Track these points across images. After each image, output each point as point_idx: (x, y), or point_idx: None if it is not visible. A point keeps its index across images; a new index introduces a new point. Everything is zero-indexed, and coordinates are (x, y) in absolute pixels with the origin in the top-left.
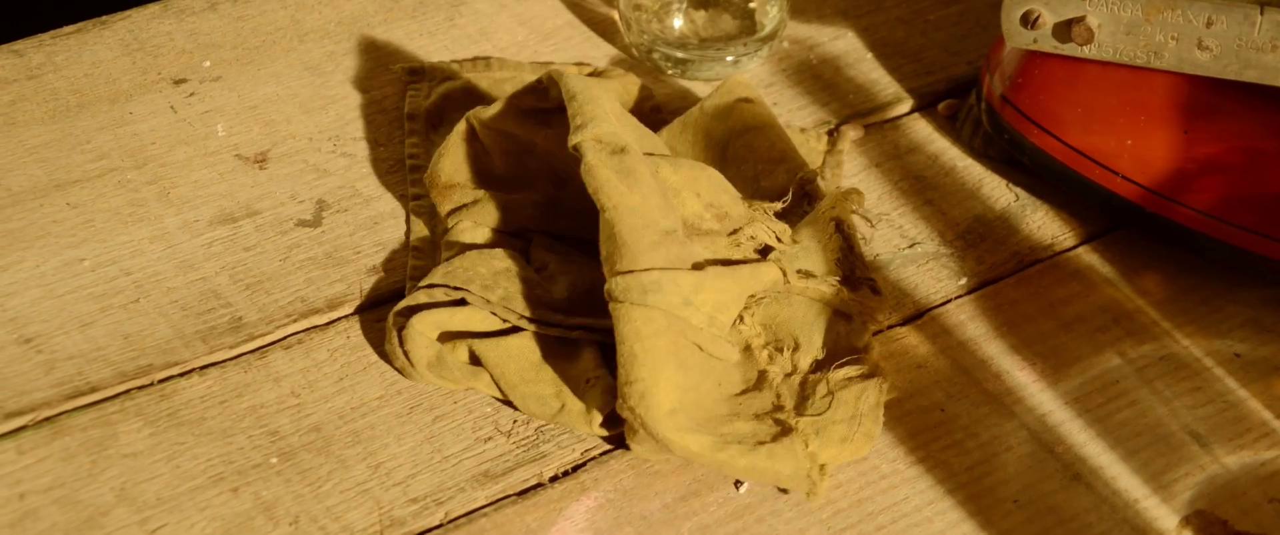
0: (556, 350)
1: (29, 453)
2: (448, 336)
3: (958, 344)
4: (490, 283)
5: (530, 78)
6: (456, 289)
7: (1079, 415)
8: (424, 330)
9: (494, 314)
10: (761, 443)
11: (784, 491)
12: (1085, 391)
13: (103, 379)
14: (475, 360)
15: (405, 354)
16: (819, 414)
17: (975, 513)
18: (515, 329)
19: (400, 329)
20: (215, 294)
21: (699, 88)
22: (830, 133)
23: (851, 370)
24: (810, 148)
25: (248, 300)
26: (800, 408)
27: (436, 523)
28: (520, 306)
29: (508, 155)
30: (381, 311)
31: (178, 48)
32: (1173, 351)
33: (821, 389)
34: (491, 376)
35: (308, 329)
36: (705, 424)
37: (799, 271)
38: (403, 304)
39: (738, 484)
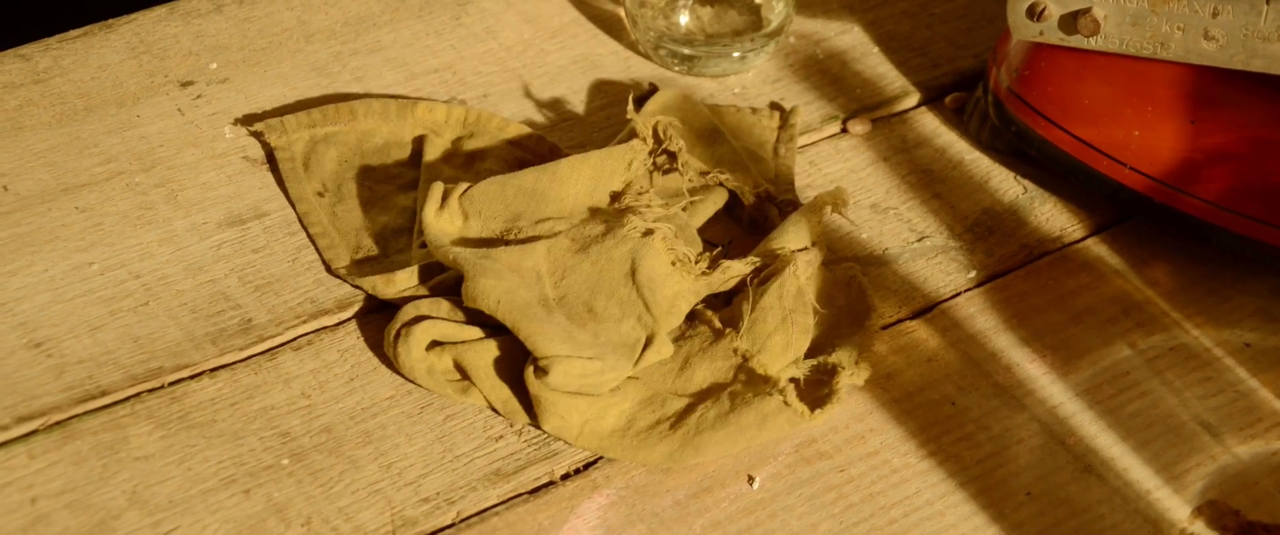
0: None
1: (40, 457)
2: (434, 345)
3: (967, 337)
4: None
5: (400, 128)
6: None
7: (1090, 407)
8: (419, 340)
9: (470, 323)
10: (730, 406)
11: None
12: (1096, 383)
13: (113, 382)
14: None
15: (403, 364)
16: (752, 331)
17: (987, 505)
18: (498, 332)
19: (397, 339)
20: (224, 296)
21: (706, 84)
22: (781, 109)
23: (765, 272)
24: (763, 127)
25: (257, 302)
26: (741, 333)
27: (448, 522)
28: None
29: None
30: (391, 312)
31: (184, 50)
32: (1183, 342)
33: (745, 307)
34: (474, 382)
35: (317, 330)
36: (655, 428)
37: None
38: (400, 323)
39: (751, 479)
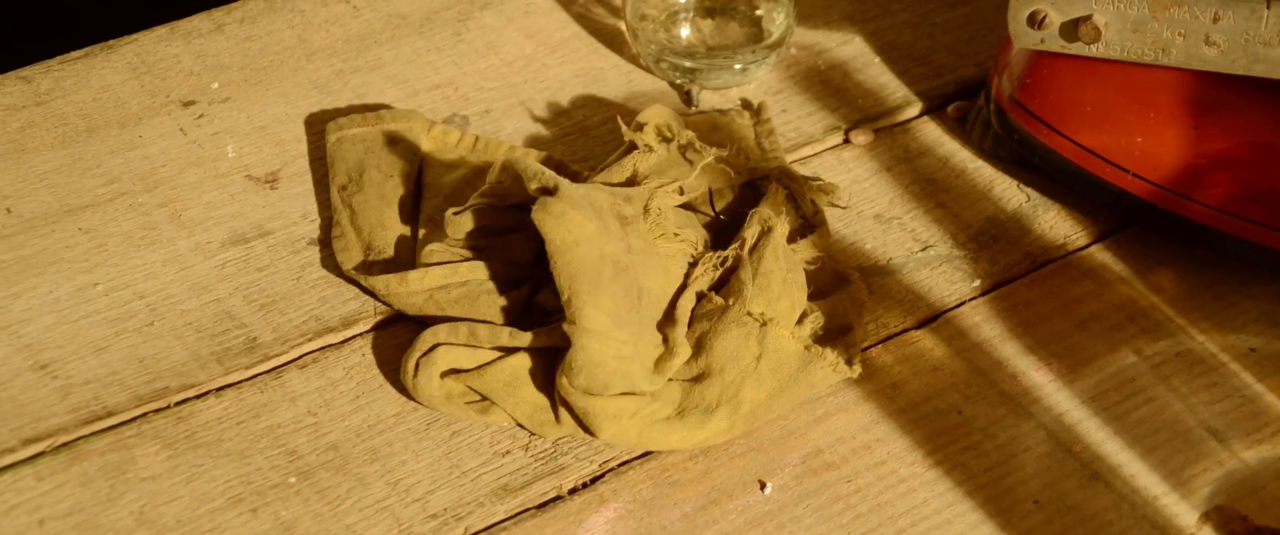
0: (549, 362)
1: (47, 479)
2: (449, 373)
3: (973, 346)
4: (466, 325)
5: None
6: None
7: (1096, 414)
8: (437, 368)
9: (481, 348)
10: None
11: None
12: (1102, 390)
13: (119, 403)
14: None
15: (423, 394)
16: (763, 295)
17: (995, 514)
18: (511, 351)
19: (416, 371)
20: (229, 315)
21: (708, 97)
22: (750, 106)
23: (751, 236)
24: (739, 124)
25: (262, 320)
26: (751, 298)
27: None
28: (501, 337)
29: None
30: (396, 329)
31: (185, 70)
32: (1188, 348)
33: (747, 276)
34: (495, 401)
35: (323, 348)
36: (700, 410)
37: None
38: (418, 353)
39: (763, 485)
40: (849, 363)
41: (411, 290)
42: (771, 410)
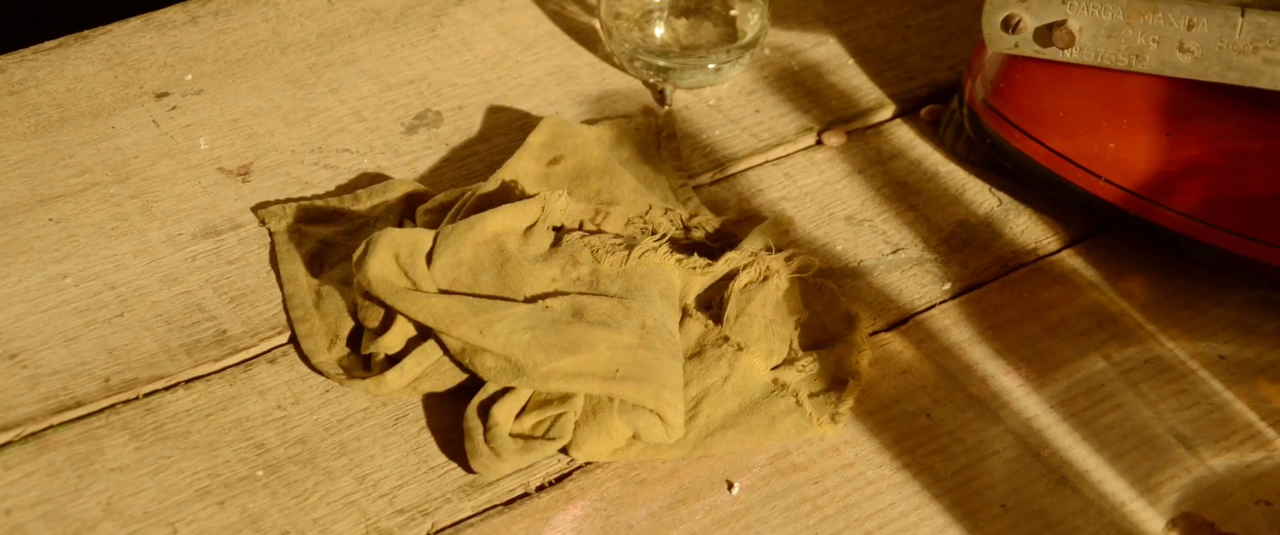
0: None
1: (15, 468)
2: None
3: (942, 349)
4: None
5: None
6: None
7: (1065, 419)
8: (504, 417)
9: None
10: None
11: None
12: (1071, 395)
13: (88, 393)
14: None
15: (491, 449)
16: (741, 335)
17: (962, 517)
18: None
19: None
20: (199, 307)
21: (681, 96)
22: (654, 116)
23: (745, 274)
24: (639, 137)
25: (232, 313)
26: (726, 328)
27: (423, 534)
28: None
29: None
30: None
31: (159, 61)
32: (1158, 354)
33: (730, 310)
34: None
35: (293, 341)
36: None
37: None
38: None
39: (731, 485)
40: (833, 418)
41: (393, 389)
42: (727, 439)
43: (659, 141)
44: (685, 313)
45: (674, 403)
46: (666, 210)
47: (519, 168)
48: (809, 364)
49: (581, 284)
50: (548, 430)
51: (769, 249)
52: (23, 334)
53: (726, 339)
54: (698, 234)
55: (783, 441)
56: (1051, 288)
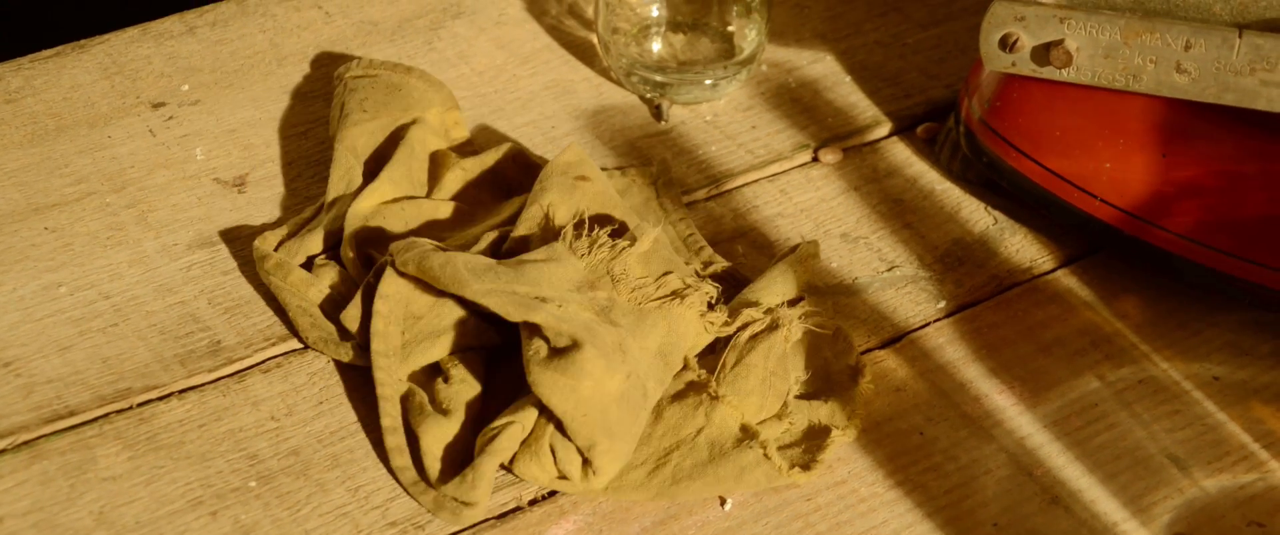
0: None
1: (7, 477)
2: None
3: (936, 367)
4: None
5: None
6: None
7: (1058, 438)
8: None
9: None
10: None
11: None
12: (1064, 415)
13: (81, 403)
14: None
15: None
16: (734, 385)
17: None
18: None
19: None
20: (194, 318)
21: (678, 112)
22: (650, 174)
23: (756, 325)
24: (641, 187)
25: (226, 324)
26: (720, 380)
27: None
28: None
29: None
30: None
31: (156, 71)
32: (1151, 375)
33: (729, 359)
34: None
35: (286, 353)
36: (635, 471)
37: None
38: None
39: (723, 501)
40: (806, 467)
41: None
42: (694, 488)
43: (657, 190)
44: (685, 364)
45: (613, 452)
46: (691, 275)
47: (547, 200)
48: (798, 418)
49: (595, 305)
50: (492, 440)
51: (792, 302)
52: (17, 342)
53: (708, 392)
54: (710, 289)
55: (753, 490)
56: (1046, 307)
